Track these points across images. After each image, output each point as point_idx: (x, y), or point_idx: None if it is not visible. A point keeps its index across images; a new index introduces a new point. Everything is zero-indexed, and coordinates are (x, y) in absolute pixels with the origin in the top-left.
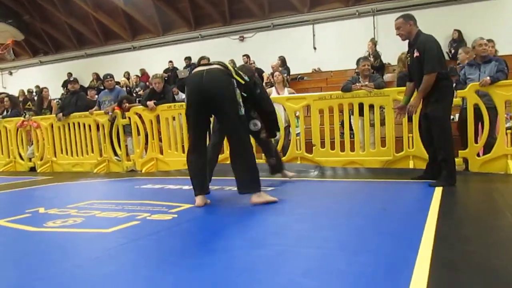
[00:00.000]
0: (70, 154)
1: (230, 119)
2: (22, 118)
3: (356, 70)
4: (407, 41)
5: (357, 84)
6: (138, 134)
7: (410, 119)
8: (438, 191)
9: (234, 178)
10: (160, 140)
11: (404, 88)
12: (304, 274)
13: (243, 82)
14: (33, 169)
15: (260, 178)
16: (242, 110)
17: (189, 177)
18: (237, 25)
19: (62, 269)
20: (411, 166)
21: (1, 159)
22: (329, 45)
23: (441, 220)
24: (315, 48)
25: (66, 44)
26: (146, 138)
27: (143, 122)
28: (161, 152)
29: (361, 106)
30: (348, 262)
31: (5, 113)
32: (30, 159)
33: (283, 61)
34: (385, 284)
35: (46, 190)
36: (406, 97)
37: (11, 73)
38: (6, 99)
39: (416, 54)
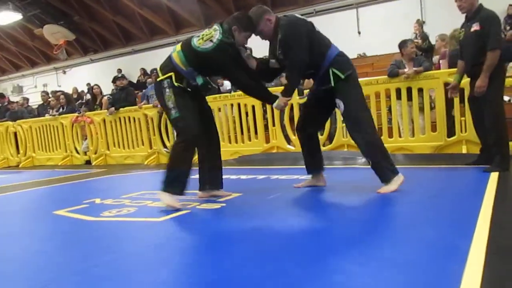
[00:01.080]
0: (122, 147)
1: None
2: (76, 114)
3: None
4: (454, 21)
5: (404, 70)
6: None
7: (462, 101)
8: (493, 176)
9: (274, 167)
10: None
11: (455, 69)
12: (354, 261)
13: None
14: (88, 162)
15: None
16: (173, 113)
17: (236, 167)
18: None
19: (118, 256)
20: (464, 151)
21: (59, 153)
22: (374, 29)
23: (496, 207)
24: (359, 33)
25: (114, 41)
26: None
27: None
28: None
29: (409, 90)
30: (398, 251)
31: (61, 110)
32: (85, 153)
33: None
34: (438, 272)
35: (101, 182)
36: (458, 76)
37: (64, 72)
38: (61, 96)
39: (475, 28)
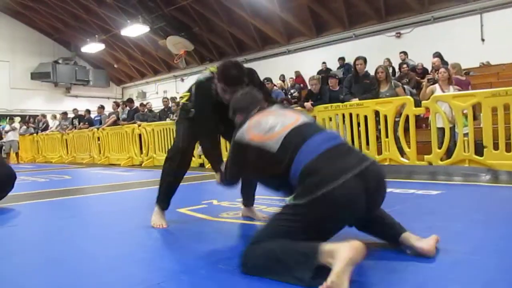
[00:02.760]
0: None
1: None
2: None
3: None
4: None
5: None
6: None
7: None
8: None
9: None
10: None
11: None
12: (485, 286)
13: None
14: (202, 165)
15: None
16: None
17: None
18: (393, 21)
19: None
20: None
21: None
22: (500, 36)
23: None
24: (483, 40)
25: (228, 51)
26: None
27: None
28: None
29: None
30: None
31: None
32: (199, 156)
33: (440, 56)
34: None
35: (215, 185)
36: None
37: (182, 80)
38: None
39: None
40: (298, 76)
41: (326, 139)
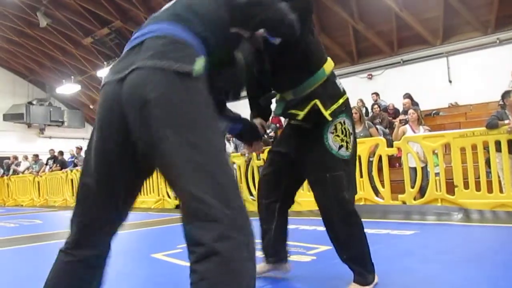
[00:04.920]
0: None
1: None
2: None
3: (500, 103)
4: None
5: (505, 121)
6: None
7: None
8: None
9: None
10: None
11: None
12: None
13: None
14: (178, 207)
15: None
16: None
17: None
18: (365, 63)
19: None
20: None
21: (152, 196)
22: (467, 77)
23: None
24: (450, 81)
25: None
26: None
27: None
28: None
29: (510, 142)
30: None
31: None
32: (176, 197)
33: (410, 97)
34: None
35: None
36: None
37: None
38: None
39: None
40: (274, 117)
41: None
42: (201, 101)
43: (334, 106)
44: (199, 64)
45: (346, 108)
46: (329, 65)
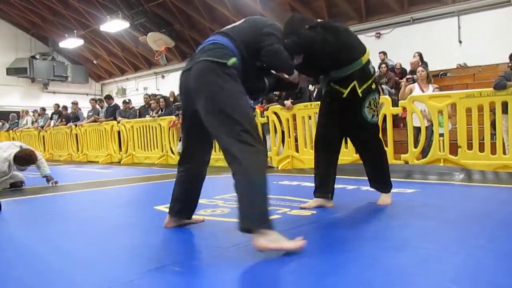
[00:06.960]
0: (214, 150)
1: None
2: (173, 118)
3: (510, 64)
4: None
5: None
6: (276, 132)
7: None
8: None
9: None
10: (296, 138)
11: None
12: (453, 282)
13: None
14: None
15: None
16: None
17: None
18: (374, 21)
19: (213, 253)
20: None
21: (156, 152)
22: (477, 38)
23: None
24: (460, 42)
25: None
26: (283, 136)
27: (280, 121)
28: (297, 150)
29: None
30: (505, 274)
31: (160, 112)
32: (179, 153)
33: (421, 56)
34: None
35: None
36: None
37: (163, 77)
38: (161, 100)
39: None
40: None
41: None
42: (232, 81)
43: (364, 86)
44: (233, 60)
45: (375, 85)
46: (366, 56)
